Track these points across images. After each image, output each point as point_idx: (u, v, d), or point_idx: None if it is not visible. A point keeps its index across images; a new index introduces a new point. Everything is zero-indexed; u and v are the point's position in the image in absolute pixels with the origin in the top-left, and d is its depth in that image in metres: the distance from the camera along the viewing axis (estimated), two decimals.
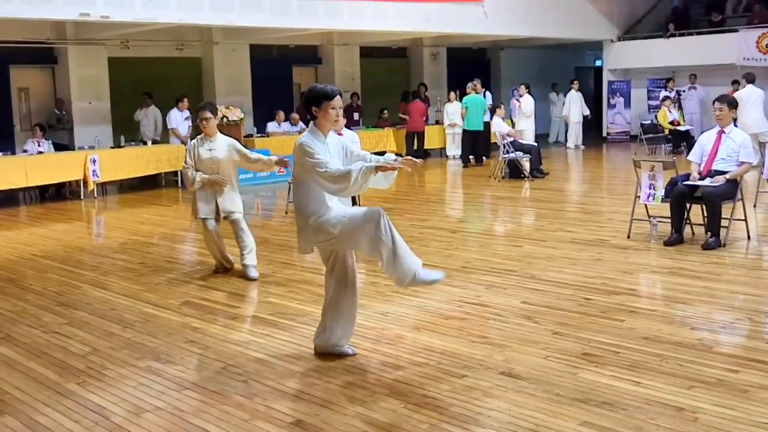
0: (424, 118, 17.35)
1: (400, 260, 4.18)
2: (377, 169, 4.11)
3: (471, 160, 15.81)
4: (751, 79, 13.75)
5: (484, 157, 16.06)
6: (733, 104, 7.48)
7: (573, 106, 18.57)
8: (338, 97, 4.32)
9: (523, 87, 16.01)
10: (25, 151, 12.59)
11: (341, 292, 4.48)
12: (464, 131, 16.00)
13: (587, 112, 18.70)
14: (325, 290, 4.57)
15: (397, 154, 4.85)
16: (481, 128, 15.74)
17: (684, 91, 18.30)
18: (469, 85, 16.00)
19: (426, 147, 17.37)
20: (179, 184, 13.65)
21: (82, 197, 12.45)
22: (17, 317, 5.71)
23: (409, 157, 4.33)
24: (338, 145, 4.45)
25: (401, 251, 4.18)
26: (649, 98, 19.67)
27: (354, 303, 4.55)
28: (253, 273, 6.65)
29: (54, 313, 5.81)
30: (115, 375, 4.43)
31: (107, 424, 3.75)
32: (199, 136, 6.87)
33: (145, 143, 13.81)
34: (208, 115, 6.68)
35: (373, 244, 4.17)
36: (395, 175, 4.34)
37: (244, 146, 7.08)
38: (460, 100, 17.09)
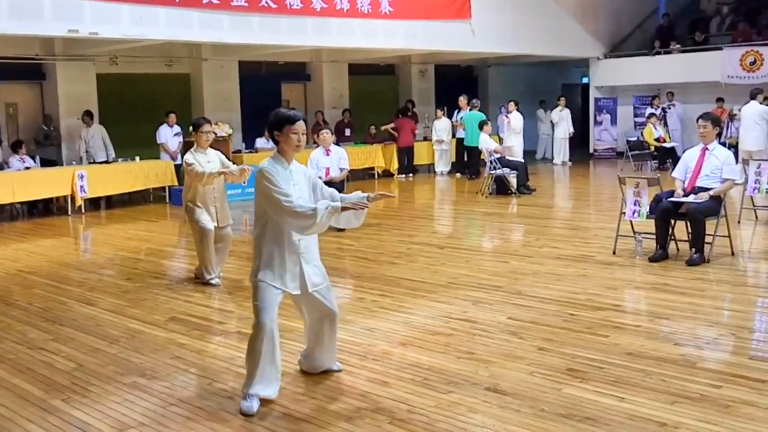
0: (413, 135, 17.48)
1: (250, 368, 4.11)
2: (343, 209, 4.05)
3: (466, 173, 16.01)
4: (754, 94, 13.39)
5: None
6: (716, 122, 7.58)
7: (560, 123, 18.74)
8: (300, 121, 4.17)
9: (512, 104, 16.11)
10: (8, 166, 12.56)
11: (317, 320, 4.43)
12: (464, 146, 16.24)
13: (572, 130, 18.85)
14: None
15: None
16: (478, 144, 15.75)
17: (669, 109, 18.48)
18: (473, 102, 16.44)
19: (414, 163, 17.47)
20: (167, 200, 13.64)
21: (69, 213, 12.43)
22: (2, 333, 5.69)
23: (383, 192, 4.27)
24: (304, 175, 4.28)
25: (251, 365, 4.09)
26: (635, 115, 19.83)
27: (333, 331, 4.46)
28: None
29: (39, 329, 5.79)
30: (101, 391, 4.42)
31: None
32: (192, 149, 7.16)
33: (98, 163, 13.63)
34: (208, 128, 7.19)
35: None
36: (365, 213, 4.26)
37: (229, 160, 7.54)
38: (449, 117, 17.24)
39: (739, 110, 15.15)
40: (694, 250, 7.25)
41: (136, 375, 4.68)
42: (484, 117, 16.08)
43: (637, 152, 17.18)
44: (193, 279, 7.30)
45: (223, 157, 7.31)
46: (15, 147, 12.75)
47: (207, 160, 7.05)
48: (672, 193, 7.46)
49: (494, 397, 4.12)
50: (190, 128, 7.36)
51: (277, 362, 4.12)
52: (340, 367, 4.60)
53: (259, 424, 3.88)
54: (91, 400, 4.27)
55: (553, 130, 19.35)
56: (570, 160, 18.92)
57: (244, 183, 7.30)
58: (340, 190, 9.74)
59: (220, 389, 4.40)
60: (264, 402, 4.10)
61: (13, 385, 4.58)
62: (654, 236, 7.47)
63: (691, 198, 7.29)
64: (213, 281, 7.06)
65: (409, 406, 4.03)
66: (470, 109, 16.42)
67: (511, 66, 21.68)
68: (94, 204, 13.14)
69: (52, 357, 5.08)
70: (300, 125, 4.17)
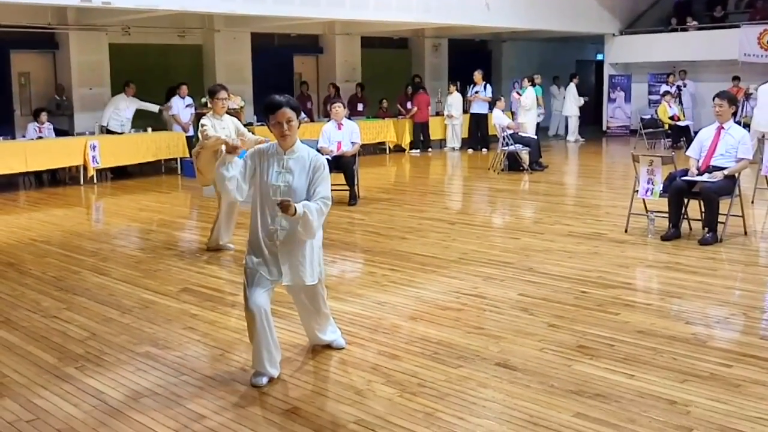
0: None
1: (253, 349, 4.06)
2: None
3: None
4: None
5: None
6: (733, 101, 7.51)
7: (572, 100, 18.61)
8: (283, 109, 3.87)
9: (526, 80, 15.95)
10: (23, 136, 12.61)
11: (304, 313, 4.44)
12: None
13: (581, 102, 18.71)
14: None
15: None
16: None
17: (684, 86, 18.30)
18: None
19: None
20: (179, 171, 13.67)
21: (81, 183, 12.47)
22: (16, 301, 5.74)
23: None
24: (306, 165, 3.96)
25: (255, 347, 4.02)
26: (649, 93, 19.67)
27: (317, 323, 4.45)
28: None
29: (53, 297, 5.84)
30: (114, 360, 4.46)
31: (105, 408, 3.79)
32: (209, 114, 7.25)
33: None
34: (224, 95, 7.24)
35: None
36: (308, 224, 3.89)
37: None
38: (462, 93, 17.11)
39: (756, 89, 14.96)
40: (707, 229, 7.22)
41: (149, 345, 4.72)
42: (539, 89, 15.96)
43: (650, 130, 17.06)
44: (205, 250, 7.34)
45: (239, 123, 7.38)
46: (36, 114, 12.76)
47: (222, 126, 7.11)
48: (686, 172, 7.41)
49: (504, 373, 4.14)
50: (203, 99, 7.38)
51: (276, 342, 4.09)
52: (341, 345, 4.55)
53: (270, 394, 3.92)
54: (105, 369, 4.32)
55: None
56: (582, 138, 18.80)
57: None
58: (352, 164, 9.82)
59: (232, 360, 4.43)
60: None
61: (28, 352, 4.63)
62: (667, 215, 7.44)
63: (706, 177, 7.24)
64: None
65: (419, 380, 4.05)
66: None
67: (525, 41, 21.48)
68: (105, 175, 13.18)
69: (66, 326, 5.13)
70: (282, 113, 3.87)
